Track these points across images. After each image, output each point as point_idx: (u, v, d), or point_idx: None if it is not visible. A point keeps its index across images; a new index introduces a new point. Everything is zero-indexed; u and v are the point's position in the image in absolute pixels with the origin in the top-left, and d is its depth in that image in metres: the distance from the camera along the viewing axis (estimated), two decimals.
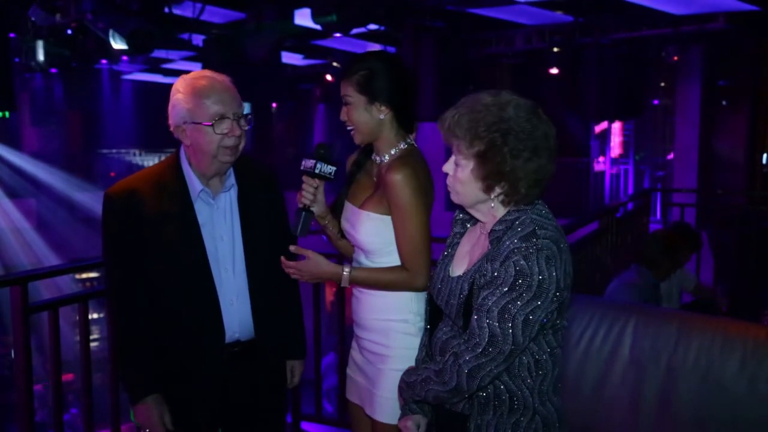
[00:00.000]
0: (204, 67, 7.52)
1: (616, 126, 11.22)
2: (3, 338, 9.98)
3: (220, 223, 2.09)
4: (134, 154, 13.69)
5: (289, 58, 9.73)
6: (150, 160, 13.23)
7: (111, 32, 5.73)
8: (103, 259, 2.11)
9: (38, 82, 10.38)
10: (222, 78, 2.05)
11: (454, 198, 1.72)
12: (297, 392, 3.56)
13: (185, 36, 7.84)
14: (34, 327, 2.62)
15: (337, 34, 7.96)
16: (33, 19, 6.39)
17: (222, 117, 1.99)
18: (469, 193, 1.67)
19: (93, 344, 4.38)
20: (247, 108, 2.09)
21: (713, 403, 2.21)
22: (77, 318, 2.84)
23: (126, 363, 2.09)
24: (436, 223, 2.07)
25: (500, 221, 1.65)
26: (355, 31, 6.92)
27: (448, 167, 1.70)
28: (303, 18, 6.85)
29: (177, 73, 2.24)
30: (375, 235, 2.06)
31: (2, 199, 11.80)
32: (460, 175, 1.66)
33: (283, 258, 2.06)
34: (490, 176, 1.62)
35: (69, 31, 6.79)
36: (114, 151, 13.48)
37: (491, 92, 1.65)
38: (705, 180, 9.40)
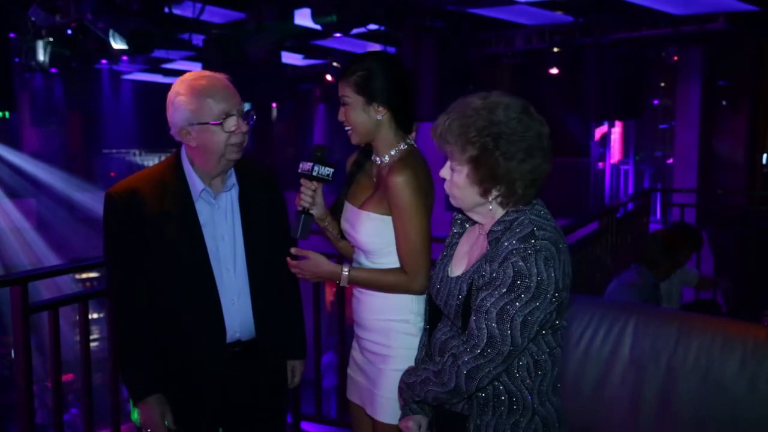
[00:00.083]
0: (204, 67, 7.53)
1: (616, 130, 11.22)
2: (3, 338, 9.98)
3: (221, 223, 2.09)
4: (134, 154, 13.70)
5: (289, 58, 9.73)
6: (150, 160, 13.23)
7: (111, 32, 5.73)
8: (104, 258, 2.11)
9: (38, 82, 10.38)
10: (220, 76, 2.05)
11: (453, 202, 1.72)
12: (297, 392, 3.56)
13: (185, 36, 7.84)
14: (34, 327, 2.62)
15: (337, 34, 7.96)
16: (33, 19, 6.39)
17: (228, 115, 1.99)
18: (466, 197, 1.67)
19: (93, 344, 4.38)
20: (246, 107, 2.10)
21: (713, 403, 2.21)
22: (77, 318, 2.84)
23: (127, 363, 2.09)
24: (436, 223, 2.07)
25: (499, 222, 1.65)
26: (355, 31, 6.92)
27: (445, 172, 1.70)
28: (303, 18, 6.85)
29: (177, 73, 2.24)
30: (375, 236, 2.06)
31: (2, 199, 11.80)
32: (457, 180, 1.66)
33: (288, 258, 2.06)
34: (485, 180, 1.62)
35: (69, 31, 6.79)
36: (114, 151, 13.49)
37: (481, 95, 1.65)
38: (705, 180, 9.40)
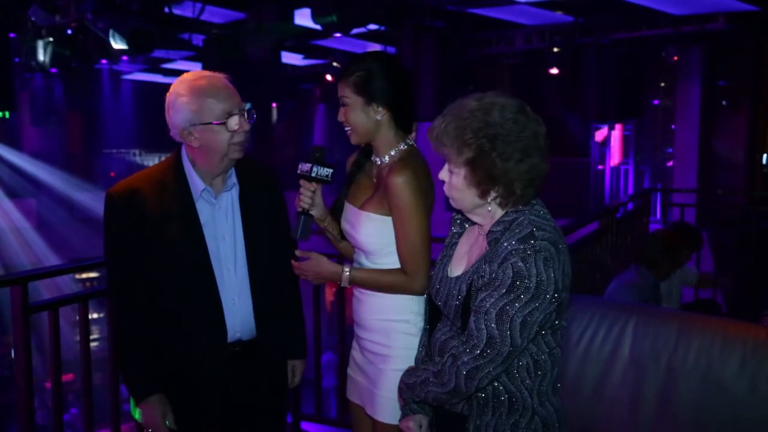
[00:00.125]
0: (204, 67, 7.54)
1: (616, 134, 11.23)
2: (3, 338, 9.98)
3: (221, 223, 2.09)
4: (134, 154, 13.70)
5: (289, 58, 9.74)
6: (150, 160, 13.23)
7: (111, 32, 5.74)
8: (104, 258, 2.11)
9: (38, 82, 10.37)
10: (220, 76, 2.05)
11: (453, 204, 1.72)
12: (297, 392, 3.56)
13: (185, 36, 7.85)
14: (34, 327, 2.61)
15: (337, 34, 7.97)
16: (33, 19, 6.39)
17: (230, 114, 1.99)
18: (465, 199, 1.67)
19: (93, 344, 4.38)
20: (247, 105, 2.10)
21: (713, 403, 2.22)
22: (77, 318, 2.84)
23: (127, 363, 2.08)
24: (436, 223, 2.07)
25: (498, 222, 1.65)
26: (355, 31, 6.92)
27: (444, 175, 1.70)
28: (303, 18, 6.86)
29: (177, 73, 2.24)
30: (375, 236, 2.06)
31: (2, 199, 11.81)
32: (455, 182, 1.66)
33: (293, 261, 2.07)
34: (483, 182, 1.62)
35: (69, 31, 6.79)
36: (114, 151, 13.48)
37: (476, 96, 1.65)
38: (705, 180, 9.40)
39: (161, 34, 6.29)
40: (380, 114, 2.04)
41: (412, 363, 1.93)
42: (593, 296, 3.80)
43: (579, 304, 2.48)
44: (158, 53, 9.00)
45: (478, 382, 1.61)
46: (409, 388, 1.77)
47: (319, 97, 13.17)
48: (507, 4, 7.34)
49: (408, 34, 7.79)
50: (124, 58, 8.45)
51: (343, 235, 2.20)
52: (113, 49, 5.92)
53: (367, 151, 2.17)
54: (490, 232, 1.66)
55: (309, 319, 2.49)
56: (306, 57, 10.22)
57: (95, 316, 9.58)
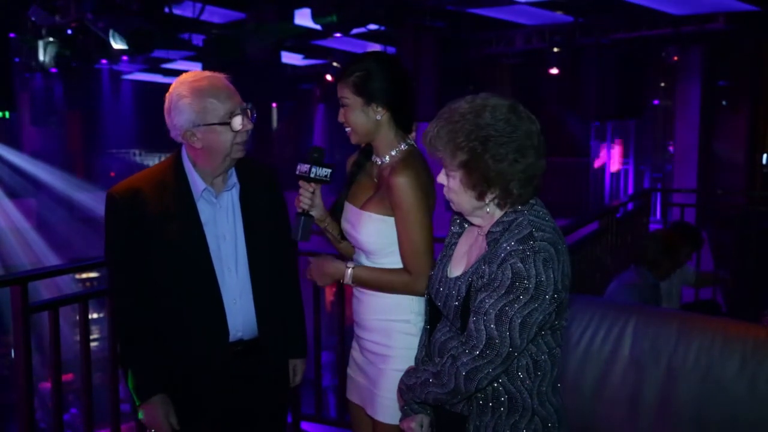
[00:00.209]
0: (204, 67, 7.54)
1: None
2: (3, 338, 9.98)
3: (222, 222, 2.09)
4: (134, 154, 13.69)
5: (289, 58, 9.73)
6: (150, 160, 13.23)
7: (111, 32, 5.74)
8: (105, 259, 2.11)
9: (38, 82, 10.37)
10: (220, 76, 2.05)
11: (453, 207, 1.73)
12: (297, 392, 3.56)
13: (185, 36, 7.85)
14: (34, 327, 2.61)
15: (337, 34, 7.96)
16: (33, 19, 6.39)
17: (233, 114, 1.99)
18: (463, 202, 1.67)
19: (93, 344, 4.38)
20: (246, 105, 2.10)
21: (713, 403, 2.22)
22: (77, 318, 2.84)
23: (130, 363, 2.09)
24: (436, 223, 2.07)
25: (497, 223, 1.65)
26: (355, 31, 6.92)
27: (442, 179, 1.70)
28: (303, 18, 6.85)
29: (177, 73, 2.23)
30: (375, 236, 2.06)
31: (2, 199, 11.80)
32: (452, 185, 1.67)
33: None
34: (478, 184, 1.62)
35: (69, 31, 6.79)
36: (114, 151, 13.48)
37: (468, 98, 1.65)
38: (705, 180, 9.40)
39: (161, 34, 6.29)
40: (380, 114, 2.04)
41: (412, 363, 1.93)
42: (593, 296, 3.81)
43: (579, 304, 2.48)
44: (158, 53, 9.00)
45: (478, 383, 1.61)
46: (409, 389, 1.77)
47: (319, 97, 13.17)
48: (507, 4, 7.34)
49: (408, 34, 7.79)
50: (124, 58, 8.44)
51: (343, 236, 2.20)
52: (113, 49, 5.92)
53: (367, 151, 2.17)
54: (489, 232, 1.66)
55: (309, 319, 2.49)
56: (306, 57, 10.22)
57: (95, 316, 9.57)
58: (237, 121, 2.00)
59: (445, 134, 1.63)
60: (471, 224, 1.79)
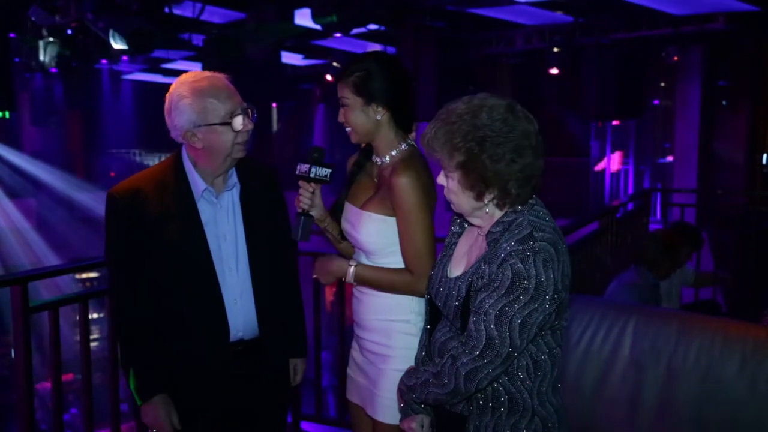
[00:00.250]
0: (204, 67, 7.53)
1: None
2: (3, 338, 9.97)
3: (223, 222, 2.09)
4: (134, 154, 13.69)
5: (289, 58, 9.73)
6: (150, 160, 13.23)
7: (111, 32, 5.73)
8: (105, 258, 2.11)
9: (38, 82, 10.37)
10: (220, 76, 2.05)
11: (453, 208, 1.73)
12: (297, 392, 3.56)
13: (185, 36, 7.84)
14: (34, 327, 2.61)
15: (337, 34, 7.96)
16: (33, 19, 6.39)
17: (233, 114, 1.99)
18: (463, 202, 1.68)
19: (93, 344, 4.38)
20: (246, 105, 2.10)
21: (713, 403, 2.22)
22: (77, 318, 2.84)
23: (130, 363, 2.08)
24: (436, 223, 2.07)
25: (497, 223, 1.65)
26: (355, 31, 6.92)
27: (441, 180, 1.71)
28: (303, 18, 6.85)
29: (177, 73, 2.23)
30: (375, 236, 2.06)
31: (2, 199, 11.80)
32: (451, 186, 1.67)
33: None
34: (476, 184, 1.62)
35: (69, 31, 6.79)
36: (114, 151, 13.48)
37: (465, 99, 1.65)
38: (705, 180, 9.40)
39: (161, 34, 6.29)
40: (380, 114, 2.04)
41: (412, 363, 1.93)
42: (593, 296, 3.81)
43: (579, 304, 2.48)
44: (158, 53, 9.00)
45: (478, 383, 1.61)
46: (409, 389, 1.77)
47: (319, 97, 13.17)
48: (507, 4, 7.34)
49: (408, 34, 7.79)
50: (124, 58, 8.44)
51: (343, 236, 2.20)
52: (113, 49, 5.92)
53: (367, 151, 2.17)
54: (489, 232, 1.66)
55: (309, 319, 2.49)
56: (306, 57, 10.22)
57: (95, 316, 9.57)
58: (238, 121, 2.00)
59: (442, 135, 1.63)
60: (471, 224, 1.79)
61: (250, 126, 2.04)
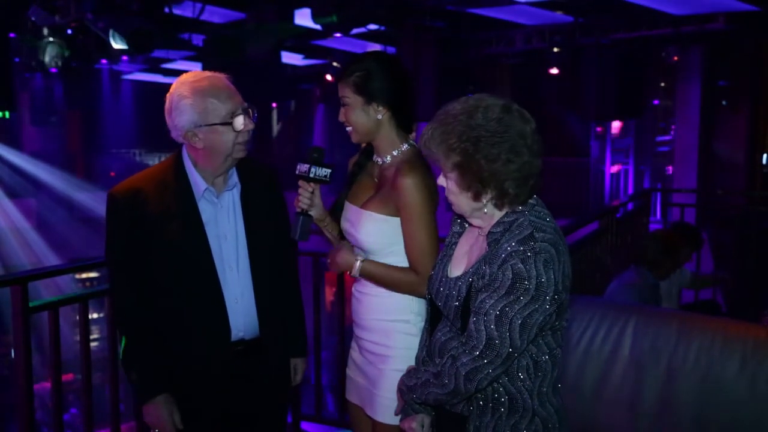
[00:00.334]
0: (204, 67, 7.53)
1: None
2: (3, 338, 9.97)
3: (223, 222, 2.09)
4: (134, 154, 13.69)
5: (289, 58, 9.73)
6: (150, 160, 13.23)
7: (111, 32, 5.73)
8: (106, 259, 2.11)
9: (38, 82, 10.36)
10: (221, 76, 2.05)
11: (454, 209, 1.73)
12: (297, 392, 3.56)
13: (185, 36, 7.84)
14: (34, 327, 2.61)
15: (337, 34, 7.96)
16: (33, 19, 6.38)
17: (234, 114, 1.99)
18: (461, 203, 1.68)
19: (93, 344, 4.38)
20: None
21: (713, 403, 2.22)
22: (77, 318, 2.84)
23: (132, 363, 2.08)
24: (438, 223, 2.07)
25: (498, 223, 1.65)
26: (355, 31, 6.92)
27: (441, 181, 1.71)
28: (303, 18, 6.85)
29: (177, 73, 2.23)
30: (375, 235, 2.06)
31: (2, 199, 11.79)
32: (450, 187, 1.67)
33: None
34: (473, 185, 1.62)
35: (69, 31, 6.79)
36: (114, 151, 13.47)
37: (462, 99, 1.66)
38: (705, 180, 9.40)
39: (161, 34, 6.28)
40: (380, 113, 2.04)
41: (411, 363, 1.93)
42: (593, 296, 3.80)
43: (579, 305, 2.48)
44: (158, 53, 8.99)
45: (478, 384, 1.61)
46: (410, 389, 1.77)
47: (319, 97, 13.17)
48: (507, 4, 7.33)
49: (408, 34, 7.79)
50: (124, 58, 8.44)
51: (342, 235, 2.20)
52: (113, 49, 5.91)
53: (368, 151, 2.17)
54: (490, 233, 1.66)
55: (309, 319, 2.49)
56: (306, 57, 10.21)
57: (95, 316, 9.56)
58: (239, 121, 2.00)
59: (438, 136, 1.63)
60: (472, 225, 1.79)
61: (251, 126, 2.04)
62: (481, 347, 1.58)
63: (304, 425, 3.70)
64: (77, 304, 2.78)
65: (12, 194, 11.88)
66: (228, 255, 2.08)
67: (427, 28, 7.80)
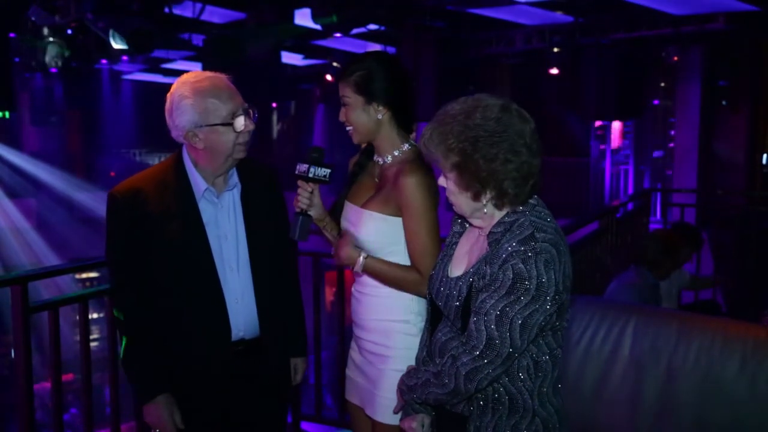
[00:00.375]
0: (204, 67, 7.53)
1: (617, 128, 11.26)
2: (3, 338, 9.97)
3: (224, 222, 2.10)
4: (134, 154, 13.69)
5: (289, 58, 9.73)
6: (150, 160, 13.23)
7: (111, 32, 5.73)
8: (106, 259, 2.12)
9: (38, 82, 10.37)
10: (221, 76, 2.06)
11: (455, 210, 1.73)
12: (297, 392, 3.56)
13: (185, 36, 7.84)
14: (34, 327, 2.61)
15: (337, 34, 7.96)
16: (33, 19, 6.38)
17: (235, 114, 1.99)
18: (461, 203, 1.68)
19: (93, 344, 4.38)
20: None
21: (713, 403, 2.21)
22: (77, 318, 2.84)
23: (133, 363, 2.08)
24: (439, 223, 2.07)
25: (499, 223, 1.65)
26: (355, 31, 6.92)
27: (441, 181, 1.71)
28: (303, 18, 6.85)
29: (177, 73, 2.24)
30: (375, 234, 2.06)
31: (2, 199, 11.79)
32: (450, 187, 1.68)
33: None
34: (472, 185, 1.62)
35: (69, 31, 6.79)
36: (114, 151, 13.47)
37: (461, 100, 1.66)
38: (705, 180, 9.39)
39: (161, 34, 6.28)
40: (381, 113, 2.04)
41: (411, 363, 1.93)
42: (593, 296, 3.80)
43: (579, 305, 2.48)
44: (158, 53, 8.99)
45: (478, 384, 1.61)
46: (410, 389, 1.77)
47: (319, 97, 13.16)
48: (507, 4, 7.33)
49: (408, 34, 7.79)
50: (124, 58, 8.44)
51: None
52: (113, 49, 5.92)
53: (369, 151, 2.18)
54: (490, 233, 1.66)
55: (309, 319, 2.49)
56: (306, 57, 10.21)
57: (95, 316, 9.57)
58: (239, 122, 2.00)
59: (436, 136, 1.63)
60: (472, 225, 1.79)
61: (252, 126, 2.04)
62: (481, 347, 1.58)
63: (304, 425, 3.70)
64: (77, 304, 2.78)
65: (12, 194, 11.88)
66: (228, 255, 2.09)
67: (427, 28, 7.80)
